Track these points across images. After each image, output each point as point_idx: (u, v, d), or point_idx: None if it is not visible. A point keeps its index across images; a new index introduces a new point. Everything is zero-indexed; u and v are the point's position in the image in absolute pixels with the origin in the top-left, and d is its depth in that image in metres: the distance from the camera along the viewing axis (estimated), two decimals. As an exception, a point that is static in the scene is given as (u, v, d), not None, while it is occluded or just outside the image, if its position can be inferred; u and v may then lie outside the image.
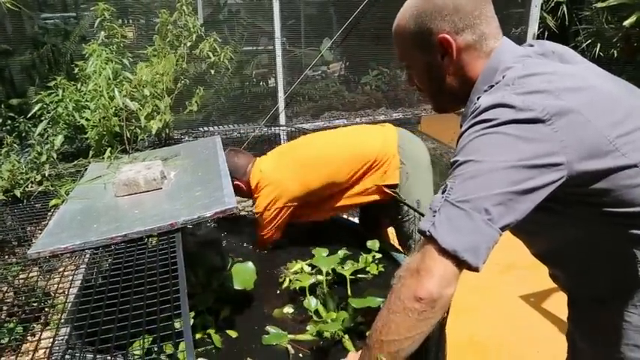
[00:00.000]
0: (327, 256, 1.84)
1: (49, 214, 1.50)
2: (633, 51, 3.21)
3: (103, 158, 1.85)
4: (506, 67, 0.98)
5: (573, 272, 1.13)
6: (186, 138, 2.64)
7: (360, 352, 1.07)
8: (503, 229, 0.84)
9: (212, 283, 1.74)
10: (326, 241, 1.98)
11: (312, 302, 1.63)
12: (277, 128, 3.20)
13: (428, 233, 0.87)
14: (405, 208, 2.17)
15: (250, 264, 1.76)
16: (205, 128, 2.67)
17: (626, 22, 2.99)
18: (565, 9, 6.14)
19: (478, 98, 0.97)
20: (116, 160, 1.82)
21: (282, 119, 3.30)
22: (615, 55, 6.24)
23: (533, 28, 3.91)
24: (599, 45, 6.33)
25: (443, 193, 0.89)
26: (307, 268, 1.89)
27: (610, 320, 1.06)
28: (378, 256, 1.90)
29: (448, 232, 0.85)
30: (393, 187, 2.09)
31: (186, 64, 1.92)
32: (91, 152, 1.87)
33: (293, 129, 2.96)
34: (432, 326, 0.90)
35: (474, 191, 0.84)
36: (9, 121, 2.30)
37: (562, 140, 0.84)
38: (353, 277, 1.77)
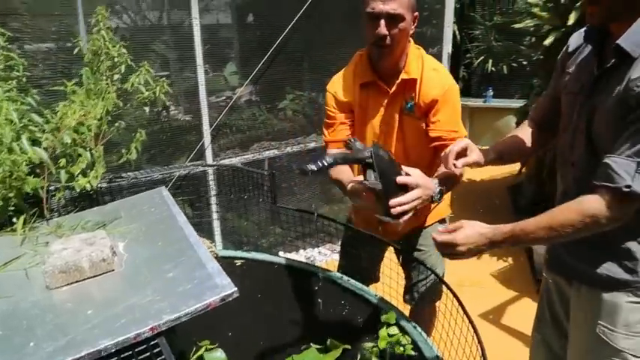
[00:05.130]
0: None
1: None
2: (552, 66, 3.35)
3: (12, 230, 1.40)
4: None
5: None
6: (103, 186, 2.20)
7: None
8: None
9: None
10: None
11: None
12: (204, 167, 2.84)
13: None
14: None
15: (221, 353, 1.41)
16: (128, 174, 2.24)
17: (546, 42, 3.09)
18: (456, 28, 6.48)
19: None
20: (32, 232, 1.38)
21: (209, 155, 2.94)
22: (504, 70, 6.72)
23: (448, 47, 3.96)
24: (490, 61, 6.77)
25: None
26: None
27: None
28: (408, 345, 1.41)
29: None
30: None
31: (120, 101, 1.54)
32: (-8, 223, 1.41)
33: (222, 167, 2.63)
34: None
35: None
36: None
37: None
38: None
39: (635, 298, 1.23)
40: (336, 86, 1.74)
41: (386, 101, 1.68)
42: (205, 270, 1.07)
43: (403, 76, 1.64)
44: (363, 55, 1.72)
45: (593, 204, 1.10)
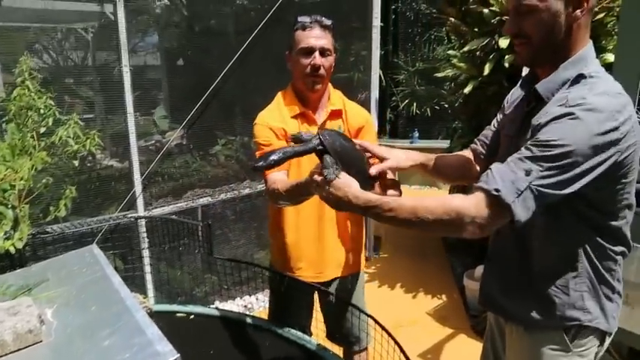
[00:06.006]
0: None
1: None
2: (471, 112, 3.61)
3: None
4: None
5: None
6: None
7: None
8: None
9: None
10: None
11: None
12: (135, 218, 2.73)
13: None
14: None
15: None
16: (53, 228, 2.11)
17: (466, 90, 3.32)
18: (381, 73, 6.81)
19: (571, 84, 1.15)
20: (-55, 301, 1.25)
21: (141, 204, 2.83)
22: (428, 113, 7.10)
23: (375, 93, 4.13)
24: (415, 104, 7.13)
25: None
26: None
27: None
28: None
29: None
30: None
31: (49, 158, 1.46)
32: None
33: (160, 219, 2.55)
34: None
35: None
36: None
37: None
38: None
39: (555, 345, 1.28)
40: (266, 118, 1.81)
41: (316, 130, 1.77)
42: (145, 336, 1.02)
43: (330, 106, 1.84)
44: (287, 91, 1.86)
45: (462, 200, 1.10)
